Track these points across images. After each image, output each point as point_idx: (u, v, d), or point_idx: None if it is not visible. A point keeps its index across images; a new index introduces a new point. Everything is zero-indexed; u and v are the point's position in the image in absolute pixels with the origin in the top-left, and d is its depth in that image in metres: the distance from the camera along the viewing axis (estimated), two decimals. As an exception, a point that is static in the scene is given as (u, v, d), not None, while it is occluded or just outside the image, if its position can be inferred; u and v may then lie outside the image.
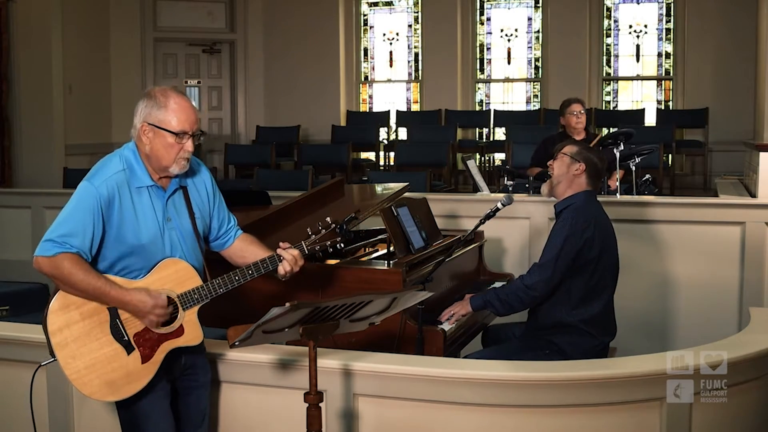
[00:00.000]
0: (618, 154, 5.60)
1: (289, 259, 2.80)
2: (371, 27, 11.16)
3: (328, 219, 2.90)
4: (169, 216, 2.69)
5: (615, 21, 10.20)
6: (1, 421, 3.27)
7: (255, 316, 2.40)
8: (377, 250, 3.97)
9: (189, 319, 2.68)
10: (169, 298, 2.64)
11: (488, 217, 3.62)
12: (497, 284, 4.11)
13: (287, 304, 2.28)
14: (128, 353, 2.61)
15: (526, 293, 3.42)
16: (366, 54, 11.20)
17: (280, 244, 2.85)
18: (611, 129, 9.22)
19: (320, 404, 2.47)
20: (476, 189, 6.20)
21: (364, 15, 11.15)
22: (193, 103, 2.74)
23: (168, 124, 2.62)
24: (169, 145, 2.63)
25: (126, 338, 2.61)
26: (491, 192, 6.27)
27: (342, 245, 2.94)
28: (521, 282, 3.45)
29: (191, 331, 2.68)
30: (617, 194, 5.63)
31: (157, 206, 2.68)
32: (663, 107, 10.08)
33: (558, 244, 3.39)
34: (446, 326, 3.42)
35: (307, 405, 2.46)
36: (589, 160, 3.52)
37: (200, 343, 2.75)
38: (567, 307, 3.44)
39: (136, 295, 2.58)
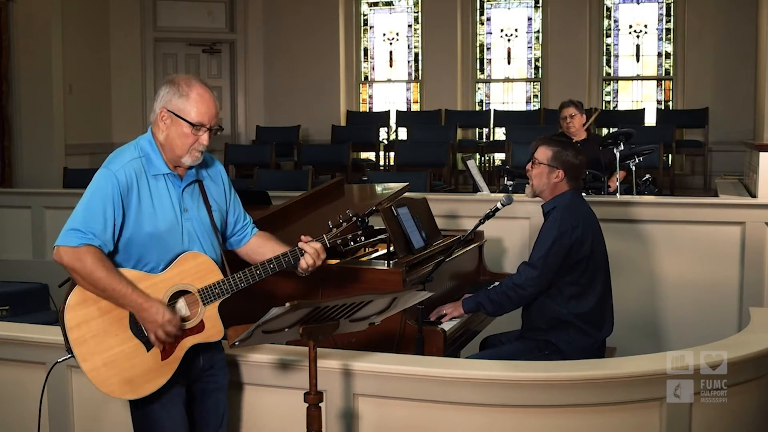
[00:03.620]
0: (618, 154, 5.60)
1: (311, 252, 2.71)
2: (371, 27, 11.16)
3: (349, 212, 2.82)
4: (185, 207, 2.64)
5: (615, 21, 10.20)
6: (4, 422, 3.27)
7: (255, 316, 2.40)
8: (377, 250, 3.97)
9: (210, 314, 2.60)
10: (189, 292, 2.59)
11: (488, 217, 3.63)
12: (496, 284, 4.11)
13: (287, 304, 2.27)
14: (148, 350, 2.53)
15: (515, 291, 3.44)
16: (366, 54, 11.20)
17: (302, 237, 2.76)
18: (611, 129, 9.22)
19: (320, 404, 2.47)
20: (476, 189, 6.20)
21: (364, 15, 11.15)
22: (215, 98, 2.67)
23: (187, 113, 2.58)
24: (184, 135, 2.58)
25: (146, 334, 2.53)
26: (491, 192, 6.27)
27: (363, 238, 2.86)
28: (510, 281, 3.48)
29: (212, 326, 2.61)
30: (617, 194, 5.63)
31: (173, 195, 2.62)
32: (663, 107, 10.08)
33: (547, 243, 3.41)
34: (446, 326, 3.42)
35: (307, 405, 2.46)
36: (567, 163, 3.50)
37: (220, 340, 2.67)
38: (559, 301, 3.45)
39: (157, 305, 2.50)
